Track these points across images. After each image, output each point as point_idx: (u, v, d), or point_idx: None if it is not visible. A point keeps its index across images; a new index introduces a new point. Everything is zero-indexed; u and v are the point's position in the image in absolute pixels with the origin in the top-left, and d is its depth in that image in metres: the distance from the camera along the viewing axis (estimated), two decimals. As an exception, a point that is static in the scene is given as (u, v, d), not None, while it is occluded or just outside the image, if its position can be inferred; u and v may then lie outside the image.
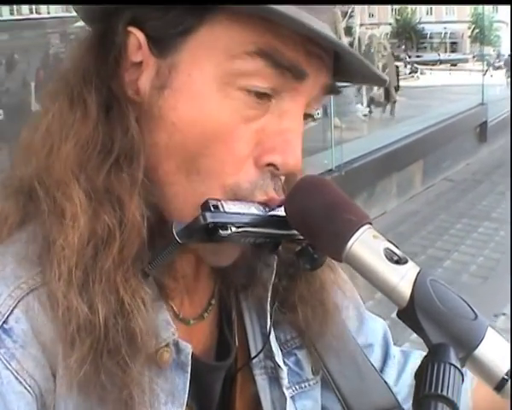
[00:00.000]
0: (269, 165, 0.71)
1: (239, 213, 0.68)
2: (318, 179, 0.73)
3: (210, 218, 0.65)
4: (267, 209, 0.72)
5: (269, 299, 0.84)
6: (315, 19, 0.68)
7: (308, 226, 0.69)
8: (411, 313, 0.61)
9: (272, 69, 0.68)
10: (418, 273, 0.62)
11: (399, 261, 0.64)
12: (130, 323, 0.66)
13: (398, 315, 0.63)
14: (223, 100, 0.68)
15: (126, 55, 0.71)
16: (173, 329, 0.74)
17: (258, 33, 0.67)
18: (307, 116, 0.76)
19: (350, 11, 7.31)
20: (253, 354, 0.86)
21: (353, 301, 0.98)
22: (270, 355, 0.86)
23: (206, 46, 0.69)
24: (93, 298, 0.65)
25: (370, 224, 0.67)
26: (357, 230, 0.65)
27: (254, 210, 0.71)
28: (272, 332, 0.86)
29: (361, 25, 8.61)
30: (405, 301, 0.62)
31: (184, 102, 0.69)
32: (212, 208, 0.66)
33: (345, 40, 7.12)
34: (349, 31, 7.58)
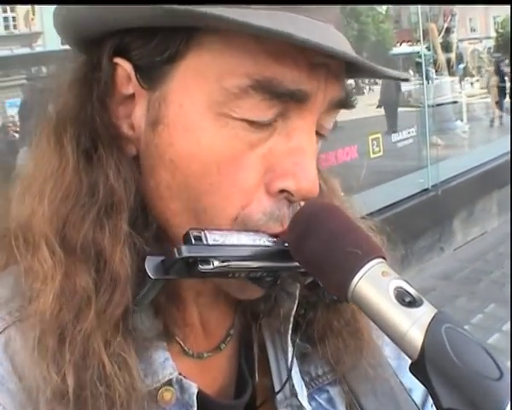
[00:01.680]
0: (282, 191, 0.62)
1: (225, 246, 0.59)
2: (323, 205, 0.63)
3: (185, 251, 0.56)
4: (279, 242, 0.63)
5: (290, 331, 0.75)
6: (316, 22, 0.59)
7: (309, 260, 0.59)
8: (422, 368, 0.50)
9: (270, 101, 0.59)
10: (432, 319, 0.51)
11: (413, 303, 0.52)
12: (110, 388, 0.59)
13: (410, 369, 0.52)
14: (220, 130, 0.60)
15: (116, 88, 0.65)
16: (172, 367, 0.66)
17: (251, 59, 0.58)
18: (319, 136, 0.67)
19: (446, 26, 7.02)
20: (277, 391, 0.76)
21: None
22: (296, 393, 0.76)
23: (196, 73, 0.61)
24: (66, 366, 0.58)
25: (383, 258, 0.56)
26: (363, 265, 0.54)
27: (257, 241, 0.61)
28: (296, 367, 0.77)
29: (461, 40, 8.25)
30: (416, 353, 0.51)
31: (179, 136, 0.61)
32: (193, 240, 0.57)
33: (442, 56, 6.86)
34: (448, 46, 7.28)
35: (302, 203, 0.64)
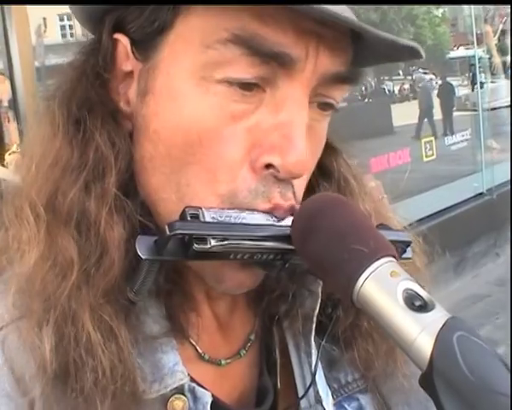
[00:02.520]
0: (268, 167, 0.57)
1: (224, 223, 0.54)
2: (329, 199, 0.57)
3: (178, 228, 0.51)
4: (275, 219, 0.57)
5: (313, 332, 0.69)
6: None
7: (313, 258, 0.53)
8: (430, 381, 0.44)
9: (251, 57, 0.55)
10: (443, 326, 0.44)
11: (423, 307, 0.46)
12: (95, 358, 0.55)
13: (419, 382, 0.46)
14: (203, 97, 0.56)
15: (116, 65, 0.63)
16: (182, 372, 0.61)
17: (234, 17, 0.55)
18: (326, 107, 0.62)
19: (502, 28, 6.77)
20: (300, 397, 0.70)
21: None
22: (321, 399, 0.70)
23: (183, 40, 0.58)
24: (48, 330, 0.55)
25: (393, 257, 0.50)
26: (370, 265, 0.49)
27: (257, 220, 0.56)
28: (321, 372, 0.71)
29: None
30: (425, 364, 0.44)
31: (165, 105, 0.58)
32: (188, 218, 0.53)
33: (498, 59, 6.62)
34: (504, 49, 7.03)
35: (296, 182, 0.59)
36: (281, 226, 0.57)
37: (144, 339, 0.60)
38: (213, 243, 0.52)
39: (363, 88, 4.23)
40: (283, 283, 0.68)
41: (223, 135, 0.57)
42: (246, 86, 0.56)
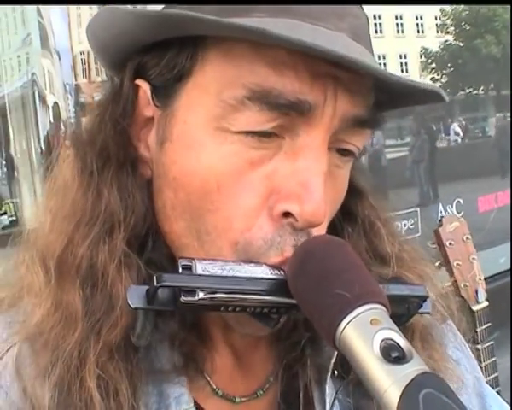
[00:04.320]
0: (285, 216, 0.56)
1: (215, 276, 0.53)
2: (325, 241, 0.55)
3: (166, 280, 0.51)
4: (282, 273, 0.56)
5: (329, 374, 0.67)
6: (320, 29, 0.54)
7: (301, 299, 0.52)
8: (393, 437, 0.41)
9: (269, 112, 0.54)
10: (410, 382, 0.42)
11: (400, 359, 0.44)
12: None
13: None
14: (220, 146, 0.56)
15: (138, 110, 0.63)
16: (187, 403, 0.61)
17: (250, 70, 0.54)
18: (346, 153, 0.60)
19: None
20: None
21: (470, 369, 0.77)
22: None
23: (200, 89, 0.57)
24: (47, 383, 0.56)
25: (380, 304, 0.48)
26: (351, 311, 0.47)
27: (253, 272, 0.55)
28: None
29: None
30: (391, 418, 0.42)
31: (182, 153, 0.58)
32: (180, 269, 0.53)
33: None
34: None
35: (313, 231, 0.57)
36: (277, 279, 0.55)
37: (155, 374, 0.61)
38: (201, 295, 0.51)
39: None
40: (300, 330, 0.66)
41: (240, 182, 0.56)
42: (264, 134, 0.55)
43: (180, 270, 0.53)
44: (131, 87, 0.62)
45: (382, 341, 0.45)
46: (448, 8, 3.69)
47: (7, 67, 2.16)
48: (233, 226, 0.56)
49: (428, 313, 0.64)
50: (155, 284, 0.51)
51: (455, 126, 3.73)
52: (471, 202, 3.31)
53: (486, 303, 1.68)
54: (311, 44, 0.49)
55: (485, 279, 1.72)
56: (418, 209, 2.83)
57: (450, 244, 1.66)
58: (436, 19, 3.73)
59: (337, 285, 0.48)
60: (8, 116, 2.15)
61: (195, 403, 0.63)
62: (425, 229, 2.67)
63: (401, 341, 0.45)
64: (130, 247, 0.59)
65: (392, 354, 0.44)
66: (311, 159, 0.55)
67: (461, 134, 3.71)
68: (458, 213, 2.81)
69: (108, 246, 0.59)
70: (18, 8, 2.06)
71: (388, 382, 0.43)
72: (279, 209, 0.56)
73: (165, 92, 0.60)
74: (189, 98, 0.58)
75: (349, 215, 0.70)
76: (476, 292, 1.66)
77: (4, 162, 2.34)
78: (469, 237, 1.73)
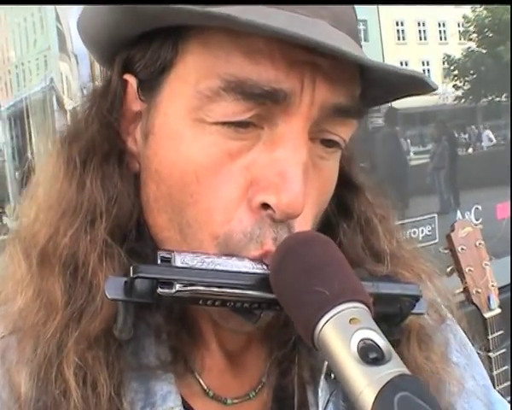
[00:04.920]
0: (265, 207, 0.54)
1: (193, 269, 0.52)
2: (310, 237, 0.54)
3: (142, 271, 0.50)
4: (264, 267, 0.54)
5: (322, 375, 0.65)
6: (301, 17, 0.52)
7: (281, 296, 0.50)
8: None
9: (245, 102, 0.53)
10: (386, 384, 0.40)
11: (378, 360, 0.42)
12: (69, 402, 0.54)
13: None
14: (198, 137, 0.55)
15: (126, 105, 0.62)
16: (174, 401, 0.59)
17: (225, 60, 0.53)
18: (331, 144, 0.58)
19: None
20: None
21: (472, 372, 0.74)
22: None
23: (180, 80, 0.56)
24: (31, 374, 0.55)
25: (360, 302, 0.46)
26: (330, 309, 0.45)
27: (235, 266, 0.54)
28: None
29: None
30: (367, 420, 0.40)
31: (163, 145, 0.57)
32: (159, 261, 0.51)
33: None
34: None
35: (295, 224, 0.55)
36: (261, 273, 0.53)
37: (141, 369, 0.59)
38: (178, 287, 0.50)
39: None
40: (290, 328, 0.63)
41: (219, 174, 0.55)
42: (241, 124, 0.54)
43: (159, 262, 0.51)
44: (119, 82, 0.61)
45: (361, 341, 0.43)
46: (471, 14, 3.66)
47: (25, 71, 2.18)
48: (213, 219, 0.55)
49: (422, 314, 0.62)
50: (131, 274, 0.49)
51: (488, 133, 3.68)
52: (489, 209, 3.25)
53: (499, 310, 1.64)
54: (279, 29, 0.48)
55: (500, 288, 1.67)
56: (436, 216, 2.78)
57: (462, 249, 1.63)
58: (459, 26, 3.69)
59: (316, 282, 0.47)
60: (27, 120, 2.16)
61: (185, 403, 0.61)
62: (442, 236, 2.63)
63: (380, 341, 0.43)
64: (114, 238, 0.59)
65: (369, 355, 0.42)
66: (290, 149, 0.54)
67: (494, 141, 3.67)
68: (476, 219, 2.75)
69: (90, 236, 0.58)
70: (37, 12, 2.07)
71: (364, 383, 0.41)
72: (257, 201, 0.54)
73: (149, 85, 0.59)
74: (170, 90, 0.57)
75: (345, 211, 0.68)
76: (488, 299, 1.62)
77: (23, 165, 2.35)
78: (482, 242, 1.69)
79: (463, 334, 0.77)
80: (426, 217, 2.70)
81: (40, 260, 0.58)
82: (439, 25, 3.63)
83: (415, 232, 2.56)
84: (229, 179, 0.55)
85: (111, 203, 0.59)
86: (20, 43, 2.14)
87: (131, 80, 0.60)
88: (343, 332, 0.43)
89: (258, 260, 0.54)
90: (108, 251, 0.58)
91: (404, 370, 0.41)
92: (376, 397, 0.39)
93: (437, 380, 0.67)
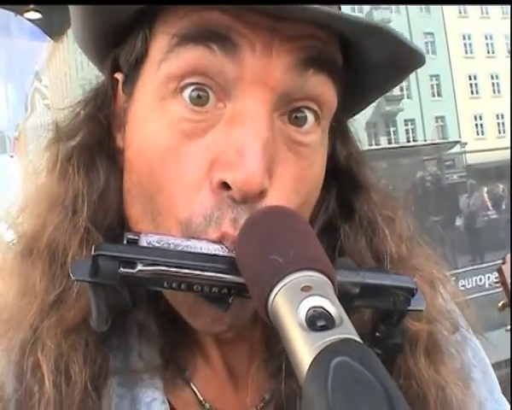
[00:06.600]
0: (225, 187, 0.52)
1: (158, 249, 0.50)
2: (275, 210, 0.50)
3: (103, 249, 0.48)
4: (226, 250, 0.52)
5: None
6: None
7: (242, 269, 0.47)
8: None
9: (194, 47, 0.51)
10: (324, 349, 0.36)
11: (326, 327, 0.39)
12: (43, 389, 0.53)
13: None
14: (160, 118, 0.54)
15: (117, 103, 0.62)
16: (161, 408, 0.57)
17: (182, 20, 0.52)
18: (302, 120, 0.55)
19: None
20: None
21: (484, 375, 0.69)
22: None
23: (150, 66, 0.56)
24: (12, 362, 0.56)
25: (319, 271, 0.43)
26: (282, 278, 0.42)
27: (205, 249, 0.51)
28: None
29: None
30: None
31: (134, 133, 0.57)
32: (125, 242, 0.50)
33: None
34: None
35: (258, 205, 0.52)
36: (226, 256, 0.51)
37: (127, 373, 0.58)
38: (140, 267, 0.48)
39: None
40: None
41: (179, 155, 0.53)
42: (198, 101, 0.52)
43: (125, 243, 0.50)
44: (110, 81, 0.61)
45: (310, 309, 0.40)
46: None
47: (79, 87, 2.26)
48: (177, 203, 0.53)
49: (421, 311, 0.56)
50: (93, 252, 0.48)
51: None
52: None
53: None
54: None
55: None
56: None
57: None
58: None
59: (271, 251, 0.44)
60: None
61: None
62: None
63: (331, 308, 0.40)
64: (96, 227, 0.58)
65: (318, 323, 0.39)
66: (248, 124, 0.51)
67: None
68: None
69: (72, 223, 0.58)
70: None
71: (305, 350, 0.38)
72: (216, 179, 0.52)
73: (131, 78, 0.59)
74: (143, 78, 0.57)
75: (347, 211, 0.65)
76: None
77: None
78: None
79: (480, 346, 0.71)
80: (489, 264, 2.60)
81: (24, 248, 0.58)
82: (506, 38, 3.55)
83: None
84: (190, 161, 0.53)
85: (95, 195, 0.59)
86: (75, 60, 2.22)
87: (120, 78, 0.61)
88: (293, 300, 0.40)
89: (218, 242, 0.52)
90: (90, 238, 0.57)
91: (352, 335, 0.38)
92: (312, 362, 0.36)
93: (447, 395, 0.62)
